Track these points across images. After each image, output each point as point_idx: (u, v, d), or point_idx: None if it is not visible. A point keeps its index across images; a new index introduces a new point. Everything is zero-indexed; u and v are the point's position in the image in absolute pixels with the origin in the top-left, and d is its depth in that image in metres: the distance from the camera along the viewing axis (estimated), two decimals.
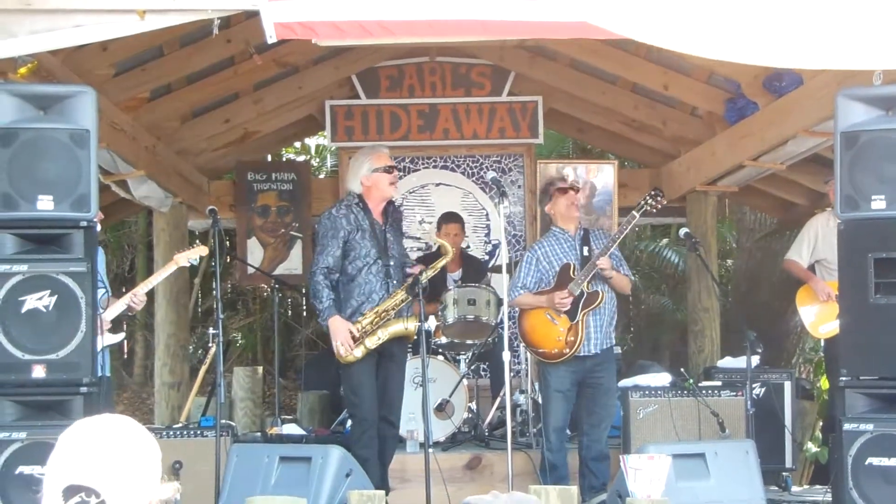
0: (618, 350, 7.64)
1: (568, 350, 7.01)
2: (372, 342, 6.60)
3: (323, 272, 6.64)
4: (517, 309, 7.38)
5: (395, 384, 6.86)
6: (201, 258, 6.90)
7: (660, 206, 7.25)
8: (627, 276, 7.32)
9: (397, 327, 6.65)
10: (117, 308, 6.81)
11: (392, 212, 6.93)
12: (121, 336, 7.18)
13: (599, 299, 7.04)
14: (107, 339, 6.87)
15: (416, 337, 6.74)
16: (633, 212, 7.20)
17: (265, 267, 10.46)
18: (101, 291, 7.01)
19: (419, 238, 10.14)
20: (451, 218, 9.15)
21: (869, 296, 5.55)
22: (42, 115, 5.34)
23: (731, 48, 5.40)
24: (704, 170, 9.70)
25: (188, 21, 5.55)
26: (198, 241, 7.40)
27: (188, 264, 7.16)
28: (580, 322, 7.01)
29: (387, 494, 6.74)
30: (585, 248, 7.17)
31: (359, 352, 6.59)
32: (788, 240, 8.92)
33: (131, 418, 2.21)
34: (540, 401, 7.68)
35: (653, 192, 7.28)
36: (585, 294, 7.02)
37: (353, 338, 6.56)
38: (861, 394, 5.65)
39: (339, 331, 6.57)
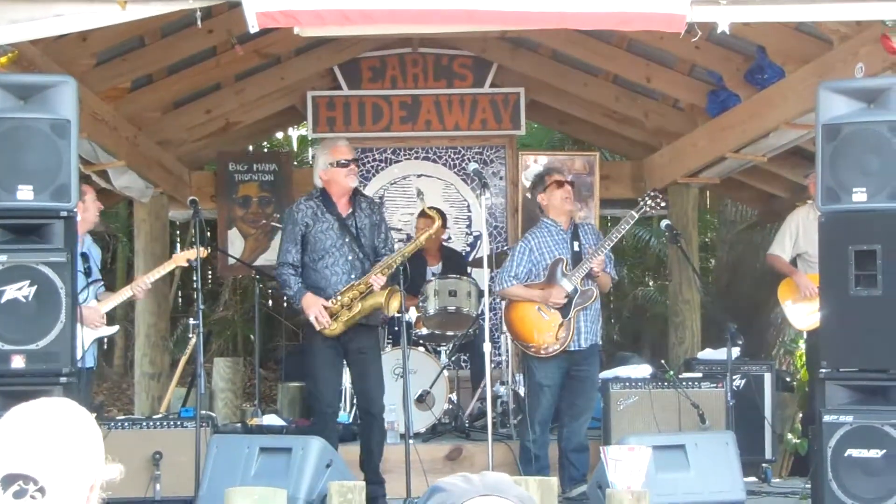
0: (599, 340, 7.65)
1: (559, 346, 7.02)
2: (347, 317, 6.64)
3: (284, 266, 6.80)
4: (502, 299, 7.39)
5: (372, 377, 6.89)
6: (200, 258, 6.89)
7: (659, 208, 7.25)
8: (611, 275, 7.31)
9: (375, 300, 6.66)
10: (116, 299, 6.84)
11: (361, 201, 6.94)
12: (115, 328, 7.22)
13: (593, 298, 7.05)
14: (102, 330, 6.91)
15: (398, 313, 6.74)
16: (633, 212, 7.18)
17: (246, 257, 10.43)
18: (97, 284, 7.07)
19: (400, 229, 10.12)
20: (426, 214, 9.19)
21: (849, 288, 5.57)
22: (22, 105, 5.32)
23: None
24: (686, 161, 9.71)
25: (170, 11, 5.54)
26: (193, 245, 7.40)
27: (186, 264, 7.17)
28: (572, 319, 7.01)
29: (382, 486, 6.78)
30: (576, 244, 7.16)
31: (338, 326, 6.63)
32: (769, 232, 8.95)
33: (71, 401, 2.19)
34: (521, 392, 7.70)
35: (652, 193, 7.27)
36: (579, 291, 7.03)
37: (329, 312, 6.62)
38: (841, 385, 5.68)
39: (312, 305, 6.65)
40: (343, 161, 6.81)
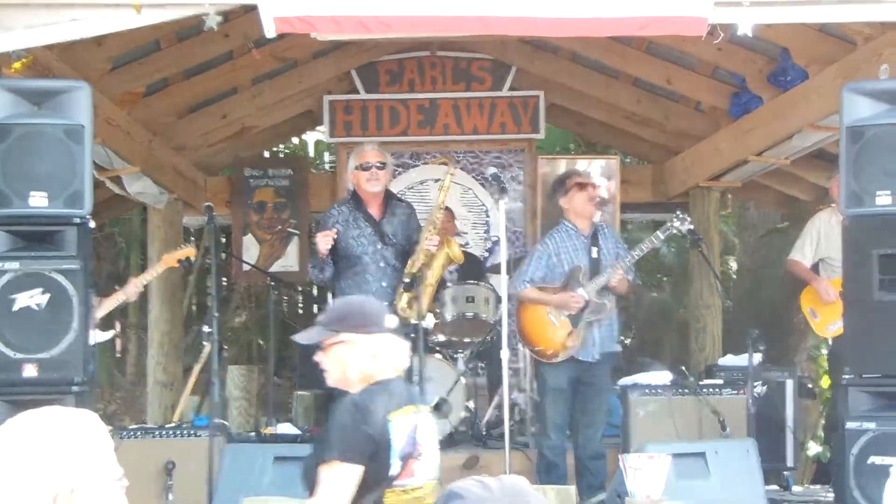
0: (618, 348, 7.64)
1: (565, 355, 7.02)
2: (427, 293, 6.93)
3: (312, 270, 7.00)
4: (516, 301, 7.39)
5: None
6: (194, 258, 6.94)
7: (685, 231, 7.21)
8: (630, 280, 7.29)
9: (443, 258, 6.94)
10: (108, 306, 6.85)
11: (395, 206, 7.05)
12: (110, 333, 7.25)
13: (604, 313, 7.04)
14: (96, 336, 6.91)
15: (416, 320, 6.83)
16: (658, 233, 7.19)
17: (261, 264, 10.46)
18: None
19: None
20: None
21: (873, 293, 5.54)
22: (36, 111, 5.36)
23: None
24: (707, 165, 9.71)
25: (185, 16, 5.56)
26: (184, 244, 7.42)
27: (177, 265, 7.20)
28: (581, 330, 7.00)
29: None
30: (595, 250, 7.13)
31: (426, 306, 6.92)
32: (792, 236, 8.92)
33: (55, 408, 2.20)
34: (538, 399, 7.70)
35: (680, 216, 7.21)
36: (592, 304, 7.01)
37: (411, 296, 6.84)
38: (864, 392, 5.66)
39: (318, 235, 6.88)
40: (365, 164, 6.90)
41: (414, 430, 3.94)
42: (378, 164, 6.96)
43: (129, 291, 7.09)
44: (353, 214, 6.93)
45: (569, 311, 6.98)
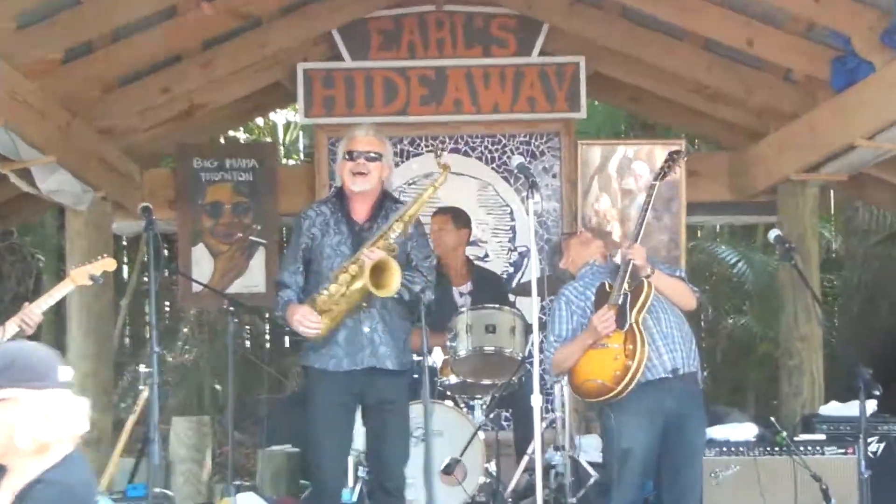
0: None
1: (631, 362, 6.86)
2: (334, 310, 6.72)
3: (278, 286, 6.98)
4: (559, 376, 7.41)
5: (394, 439, 6.89)
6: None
7: (677, 163, 7.49)
8: (683, 279, 7.23)
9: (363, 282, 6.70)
10: (5, 334, 6.79)
11: (390, 208, 6.98)
12: None
13: (646, 288, 6.95)
14: None
15: (423, 355, 6.73)
16: (651, 180, 7.34)
17: (216, 283, 10.44)
18: None
19: None
20: (440, 210, 9.26)
21: None
22: None
23: None
24: (802, 152, 9.67)
25: None
26: (102, 256, 7.36)
27: (90, 282, 7.12)
28: (635, 325, 6.89)
29: None
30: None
31: (325, 323, 6.72)
32: None
33: None
34: (583, 460, 7.63)
35: (673, 154, 7.44)
36: (629, 295, 6.96)
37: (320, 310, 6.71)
38: None
39: (295, 311, 6.75)
40: (351, 153, 6.86)
41: None
42: (369, 155, 6.90)
43: (24, 323, 6.99)
44: (334, 217, 6.87)
45: (606, 330, 6.88)
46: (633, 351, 6.81)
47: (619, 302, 6.91)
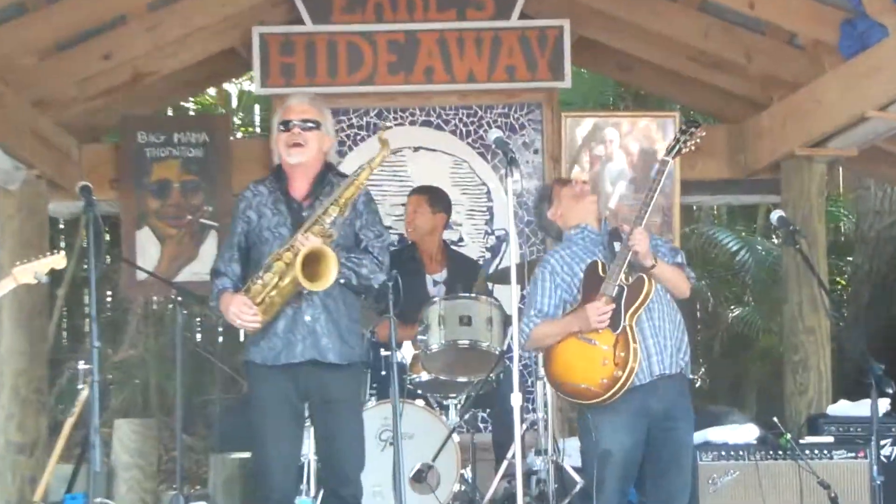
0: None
1: (621, 372, 6.90)
2: (268, 300, 6.69)
3: (213, 273, 7.00)
4: (534, 352, 7.36)
5: (343, 442, 6.85)
6: (55, 269, 6.81)
7: (698, 141, 7.22)
8: (682, 265, 7.24)
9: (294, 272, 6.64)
10: None
11: (333, 182, 6.89)
12: None
13: (646, 287, 6.96)
14: None
15: (387, 342, 6.75)
16: (664, 157, 7.19)
17: (163, 270, 10.44)
18: None
19: (389, 227, 10.06)
20: (417, 190, 9.28)
21: None
22: None
23: None
24: (808, 124, 9.72)
25: None
26: (51, 251, 7.32)
27: (35, 281, 7.08)
28: (629, 329, 6.92)
29: None
30: (617, 244, 7.10)
31: (261, 316, 6.69)
32: None
33: None
34: (567, 465, 7.68)
35: (684, 127, 7.25)
36: (626, 289, 6.98)
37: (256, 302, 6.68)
38: None
39: (230, 302, 6.72)
40: (284, 123, 6.84)
41: None
42: (305, 124, 6.86)
43: None
44: (273, 196, 6.85)
45: (600, 323, 6.90)
46: (625, 360, 6.81)
47: (614, 295, 6.92)
